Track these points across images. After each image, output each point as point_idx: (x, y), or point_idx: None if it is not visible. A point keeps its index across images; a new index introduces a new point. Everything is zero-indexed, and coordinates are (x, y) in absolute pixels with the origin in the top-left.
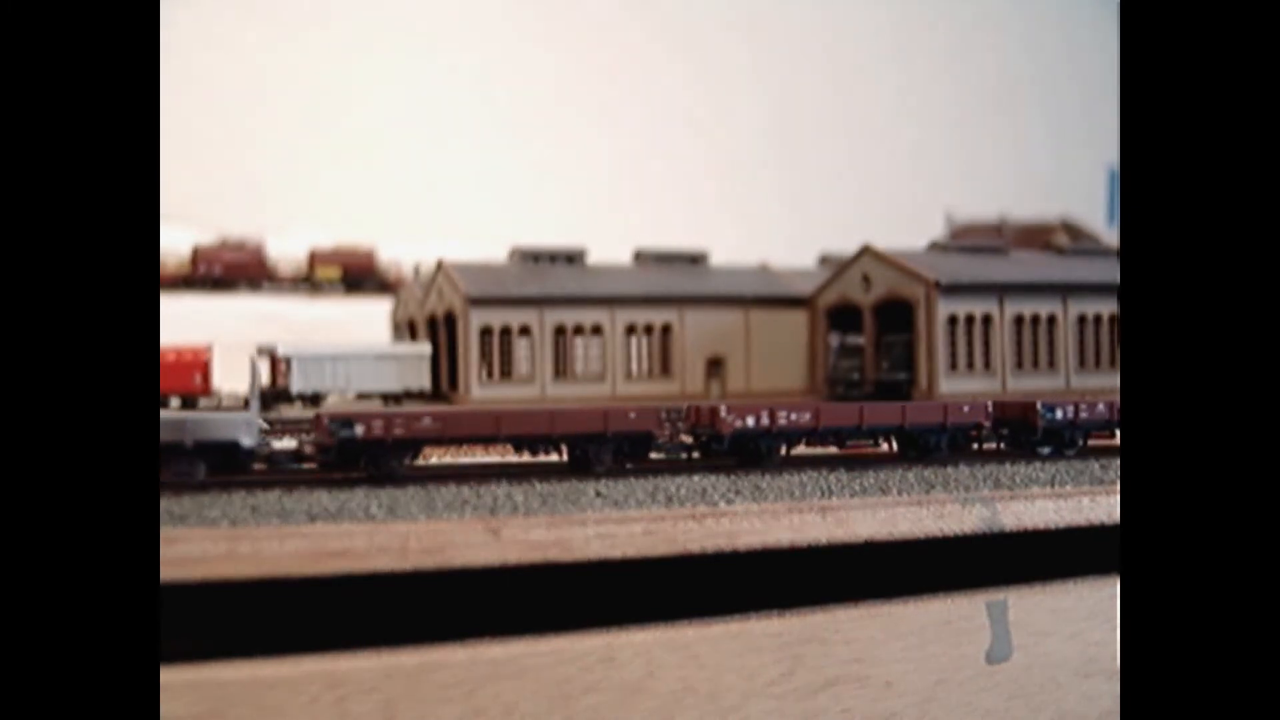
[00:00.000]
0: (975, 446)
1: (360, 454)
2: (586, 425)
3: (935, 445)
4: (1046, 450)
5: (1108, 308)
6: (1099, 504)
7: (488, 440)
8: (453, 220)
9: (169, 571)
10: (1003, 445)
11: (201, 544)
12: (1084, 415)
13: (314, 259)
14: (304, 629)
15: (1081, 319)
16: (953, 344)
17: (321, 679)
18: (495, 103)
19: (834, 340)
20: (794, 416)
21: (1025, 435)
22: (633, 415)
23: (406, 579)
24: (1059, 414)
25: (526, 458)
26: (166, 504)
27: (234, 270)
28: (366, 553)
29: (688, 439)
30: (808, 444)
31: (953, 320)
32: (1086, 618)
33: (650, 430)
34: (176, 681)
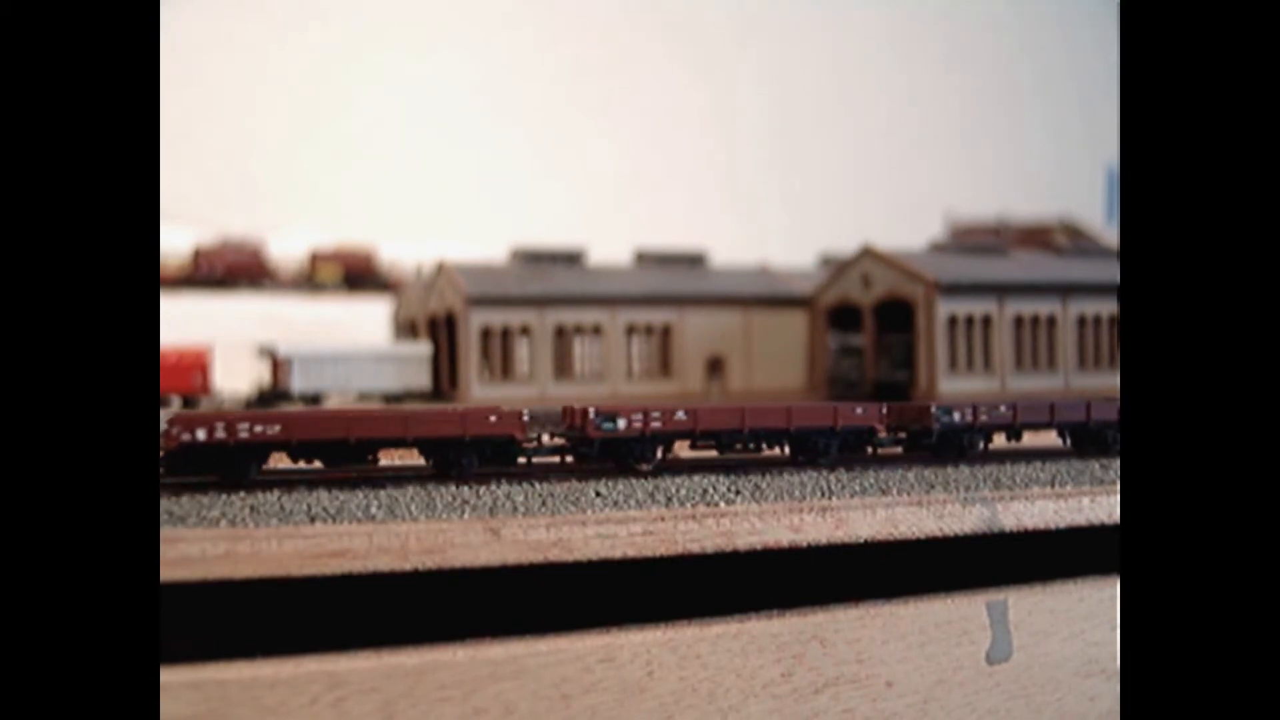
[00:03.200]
0: (870, 450)
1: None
2: (443, 429)
3: (824, 449)
4: (972, 453)
5: (1107, 308)
6: (1099, 504)
7: (338, 445)
8: (453, 220)
9: (169, 571)
10: (901, 449)
11: (201, 544)
12: (984, 418)
13: (314, 259)
14: (304, 629)
15: (1081, 319)
16: (952, 344)
17: (321, 679)
18: (495, 102)
19: (834, 340)
20: (669, 419)
21: (923, 438)
22: (494, 419)
23: (406, 579)
24: (956, 416)
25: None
26: (166, 504)
27: (234, 270)
28: (366, 553)
29: (558, 442)
30: (694, 447)
31: (952, 320)
32: (1086, 618)
33: (512, 434)
34: (176, 681)
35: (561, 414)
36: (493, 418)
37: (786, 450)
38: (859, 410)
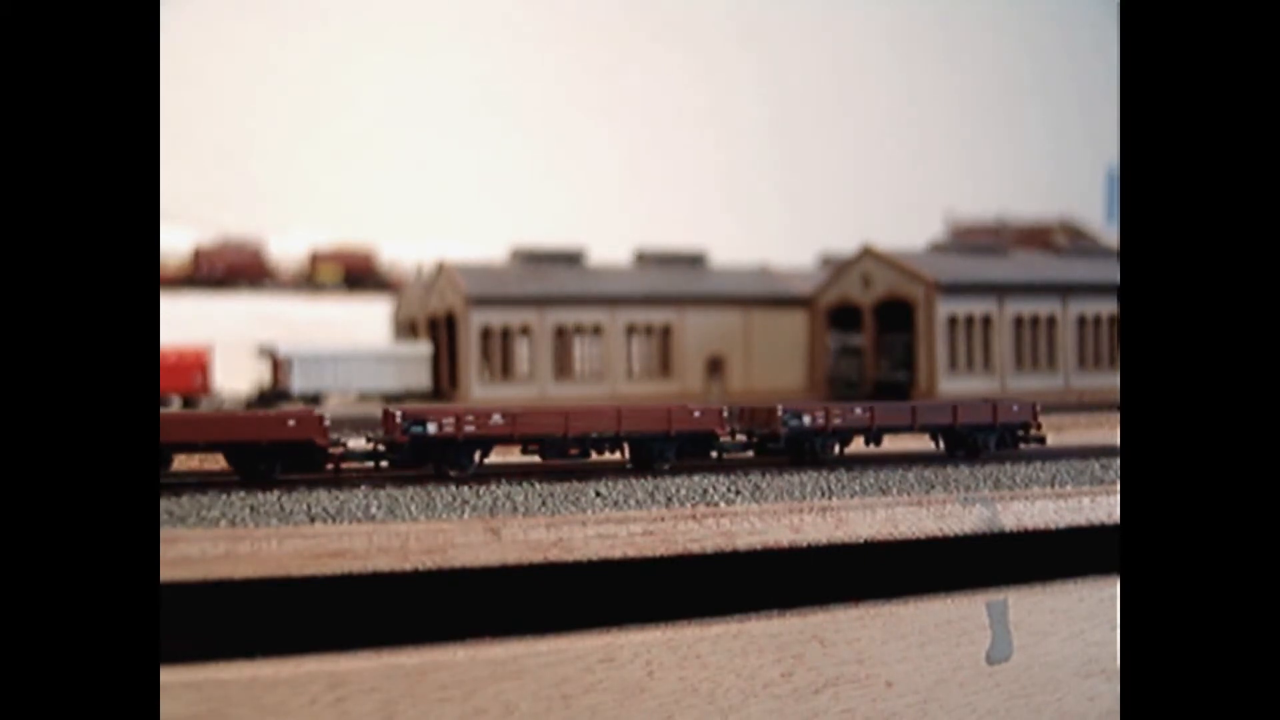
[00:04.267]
0: (715, 455)
1: None
2: (242, 433)
3: (660, 455)
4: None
5: (1107, 308)
6: (1099, 504)
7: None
8: (453, 220)
9: (169, 571)
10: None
11: (201, 544)
12: (836, 421)
13: (314, 259)
14: (304, 629)
15: (1081, 319)
16: (952, 344)
17: (321, 679)
18: (496, 102)
19: (834, 340)
20: (484, 422)
21: (770, 443)
22: (292, 423)
23: (406, 579)
24: (806, 419)
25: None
26: (166, 504)
27: (235, 270)
28: (366, 553)
29: (371, 446)
30: (524, 452)
31: (952, 320)
32: (1086, 618)
33: (311, 439)
34: (176, 681)
35: (382, 418)
36: (291, 421)
37: (624, 455)
38: (696, 413)
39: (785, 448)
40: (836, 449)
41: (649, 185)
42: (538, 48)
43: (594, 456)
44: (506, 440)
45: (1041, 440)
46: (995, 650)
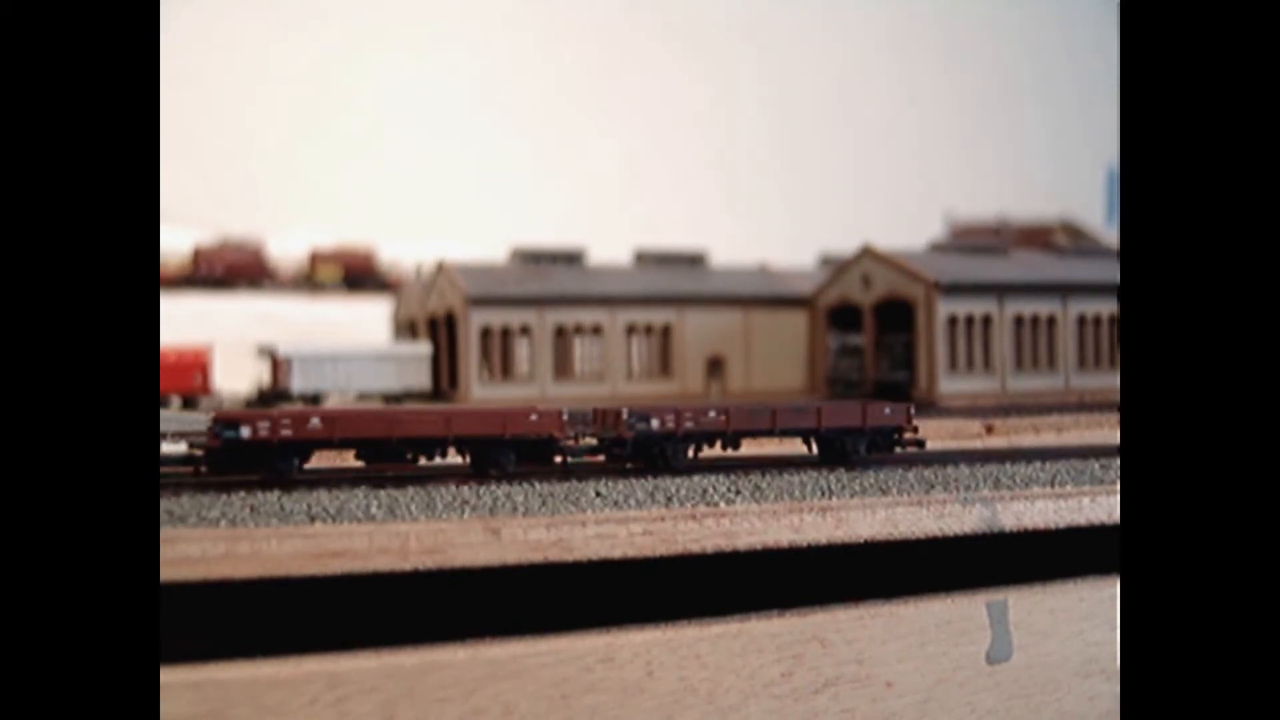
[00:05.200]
0: (560, 460)
1: None
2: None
3: (494, 460)
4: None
5: (1108, 308)
6: (1099, 504)
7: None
8: (453, 220)
9: (169, 571)
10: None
11: (201, 544)
12: (688, 425)
13: (314, 259)
14: (304, 629)
15: (1081, 319)
16: (952, 344)
17: (321, 679)
18: (496, 103)
19: (834, 340)
20: (301, 426)
21: (616, 447)
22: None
23: (406, 579)
24: (654, 423)
25: None
26: (166, 504)
27: (235, 270)
28: (366, 553)
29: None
30: (358, 458)
31: (953, 320)
32: (1086, 618)
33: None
34: (176, 681)
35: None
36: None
37: (464, 460)
38: (533, 416)
39: (633, 452)
40: (690, 453)
41: (649, 185)
42: (538, 48)
43: (424, 462)
44: (326, 445)
45: (919, 444)
46: (995, 650)
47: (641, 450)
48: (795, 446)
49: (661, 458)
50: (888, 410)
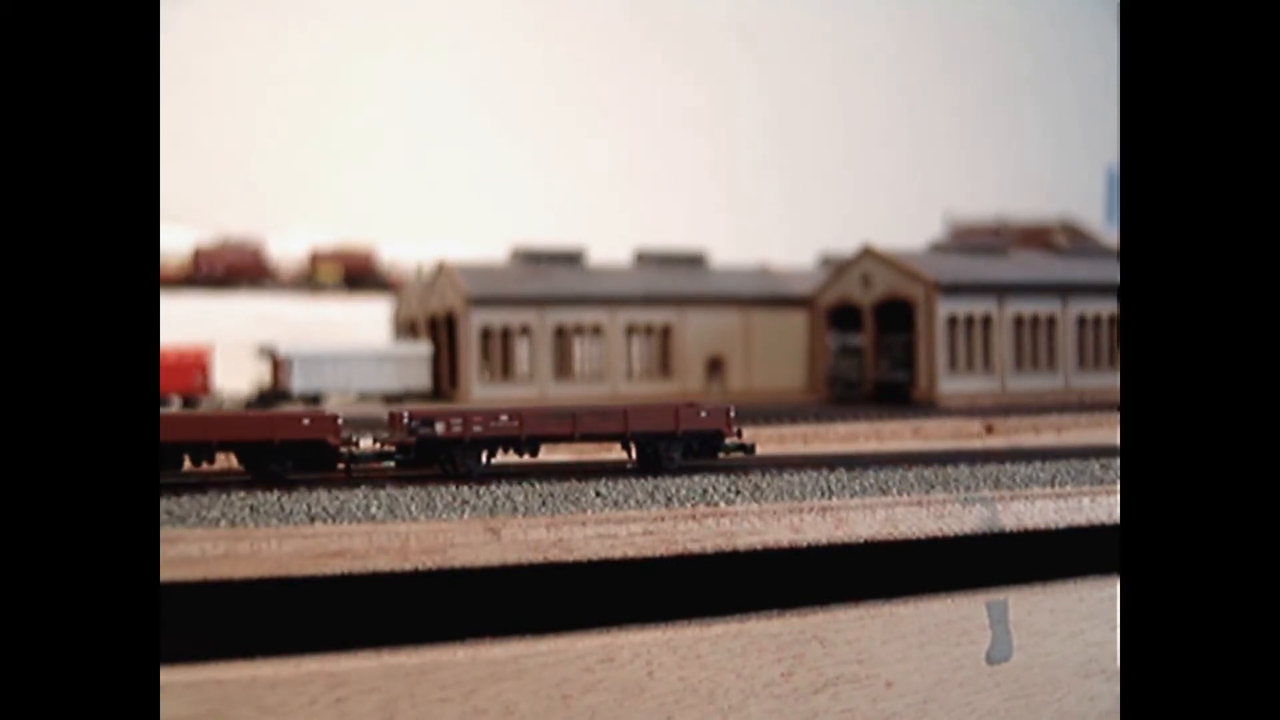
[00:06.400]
0: (343, 467)
1: None
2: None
3: (270, 465)
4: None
5: (1108, 308)
6: (1099, 504)
7: None
8: (453, 220)
9: (169, 571)
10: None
11: (201, 544)
12: (476, 429)
13: (314, 259)
14: (304, 629)
15: (1081, 319)
16: (952, 344)
17: (321, 679)
18: (495, 102)
19: (834, 340)
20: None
21: (400, 453)
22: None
23: (406, 579)
24: (438, 428)
25: None
26: (166, 504)
27: (235, 270)
28: (366, 553)
29: None
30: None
31: (953, 320)
32: (1086, 618)
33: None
34: (176, 681)
35: None
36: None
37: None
38: (305, 421)
39: (418, 458)
40: (484, 459)
41: (649, 185)
42: (538, 48)
43: (189, 465)
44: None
45: (747, 449)
46: (995, 650)
47: (428, 456)
48: (617, 452)
49: (450, 464)
50: (704, 413)
